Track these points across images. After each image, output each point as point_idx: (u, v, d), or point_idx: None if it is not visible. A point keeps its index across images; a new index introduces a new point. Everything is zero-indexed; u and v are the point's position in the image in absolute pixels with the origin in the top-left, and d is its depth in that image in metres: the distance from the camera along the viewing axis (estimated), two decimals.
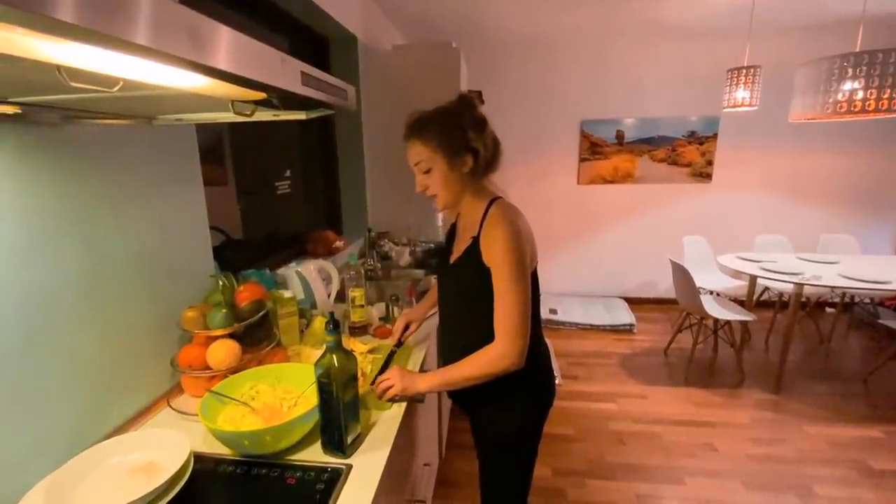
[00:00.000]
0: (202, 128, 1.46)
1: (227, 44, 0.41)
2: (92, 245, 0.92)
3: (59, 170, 0.85)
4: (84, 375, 0.91)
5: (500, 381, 1.03)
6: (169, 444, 0.85)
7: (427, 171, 1.06)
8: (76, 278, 0.88)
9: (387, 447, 0.93)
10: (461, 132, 1.03)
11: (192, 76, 0.43)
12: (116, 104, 0.69)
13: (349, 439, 0.90)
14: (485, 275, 1.03)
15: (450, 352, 1.19)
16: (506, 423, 1.13)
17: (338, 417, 0.87)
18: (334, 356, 0.86)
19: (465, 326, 1.15)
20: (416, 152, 1.05)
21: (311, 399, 0.94)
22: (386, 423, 1.01)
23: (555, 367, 2.63)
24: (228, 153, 1.71)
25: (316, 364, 0.87)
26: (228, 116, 0.83)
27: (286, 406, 1.00)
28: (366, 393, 1.10)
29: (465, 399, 1.19)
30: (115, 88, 0.46)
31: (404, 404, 1.08)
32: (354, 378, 0.90)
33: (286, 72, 0.51)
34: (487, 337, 1.04)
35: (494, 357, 1.00)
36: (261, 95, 0.59)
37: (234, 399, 0.98)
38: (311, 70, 0.57)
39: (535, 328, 1.09)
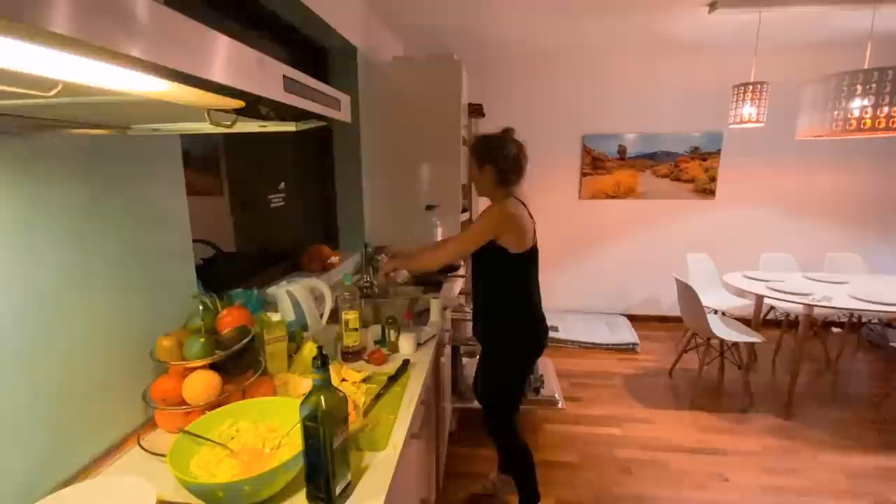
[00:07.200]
0: (196, 136, 1.38)
1: (182, 37, 0.33)
2: (50, 265, 0.82)
3: (21, 182, 0.76)
4: (39, 414, 0.81)
5: (494, 336, 1.63)
6: (131, 493, 0.75)
7: (470, 169, 1.66)
8: (29, 303, 0.79)
9: (380, 497, 0.83)
10: (485, 151, 1.59)
11: (142, 78, 0.35)
12: (73, 111, 0.60)
13: (338, 489, 0.80)
14: (491, 252, 1.51)
15: (476, 325, 1.68)
16: (493, 357, 1.65)
17: (325, 465, 0.77)
18: (322, 396, 0.76)
19: (480, 303, 1.64)
20: (468, 156, 1.67)
21: (296, 439, 0.85)
22: (380, 467, 0.91)
23: (556, 389, 2.53)
24: (223, 162, 1.63)
25: (301, 405, 0.77)
26: (207, 127, 0.74)
27: (269, 447, 0.89)
28: (357, 430, 1.00)
29: (479, 338, 1.69)
30: (53, 92, 0.38)
31: (400, 444, 0.98)
32: (345, 420, 0.81)
33: (265, 76, 0.43)
34: (498, 316, 1.60)
35: (440, 254, 1.58)
36: (239, 104, 0.50)
37: (210, 440, 0.88)
38: (297, 75, 0.49)
39: (529, 300, 1.58)
